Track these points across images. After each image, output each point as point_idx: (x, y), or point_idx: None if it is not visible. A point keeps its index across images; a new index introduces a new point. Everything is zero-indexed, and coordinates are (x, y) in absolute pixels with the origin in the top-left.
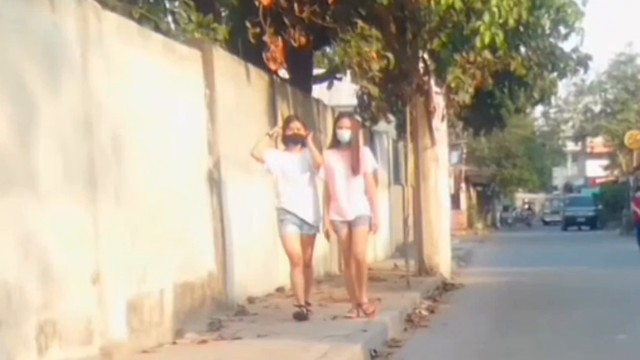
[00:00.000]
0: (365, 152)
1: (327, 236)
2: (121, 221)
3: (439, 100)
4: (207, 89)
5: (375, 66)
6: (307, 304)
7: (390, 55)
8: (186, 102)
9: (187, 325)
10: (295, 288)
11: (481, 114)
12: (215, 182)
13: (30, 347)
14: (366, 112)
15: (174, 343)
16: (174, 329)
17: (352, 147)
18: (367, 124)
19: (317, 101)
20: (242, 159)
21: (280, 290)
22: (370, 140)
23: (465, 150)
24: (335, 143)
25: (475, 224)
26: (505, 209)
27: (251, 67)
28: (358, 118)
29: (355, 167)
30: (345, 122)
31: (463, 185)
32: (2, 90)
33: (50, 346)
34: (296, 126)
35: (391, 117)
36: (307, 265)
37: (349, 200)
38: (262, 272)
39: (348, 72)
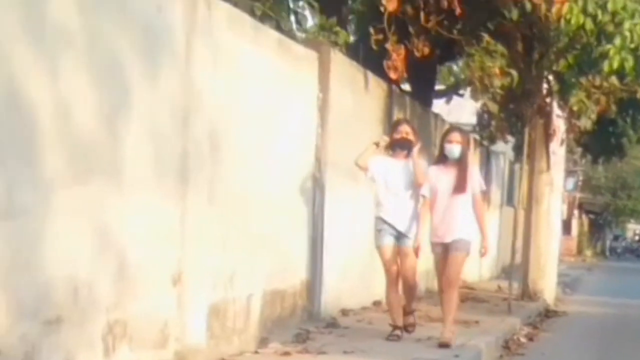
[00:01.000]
0: (473, 170)
1: (417, 253)
2: (212, 220)
3: (559, 124)
4: (321, 92)
5: (497, 83)
6: (408, 326)
7: (514, 72)
8: (297, 103)
9: (273, 335)
10: (390, 307)
11: (601, 141)
12: (318, 189)
13: (96, 347)
14: (485, 130)
15: (256, 352)
16: (258, 337)
17: (460, 163)
18: (485, 143)
19: (436, 116)
20: (350, 167)
21: (377, 304)
22: (487, 159)
23: (581, 178)
24: (442, 158)
25: (584, 250)
26: (616, 238)
27: (370, 74)
28: (476, 136)
29: (461, 186)
30: (456, 136)
31: (576, 211)
32: (93, 71)
33: (118, 347)
34: (405, 130)
35: (509, 137)
36: (409, 284)
37: (449, 222)
38: (359, 283)
39: (469, 88)
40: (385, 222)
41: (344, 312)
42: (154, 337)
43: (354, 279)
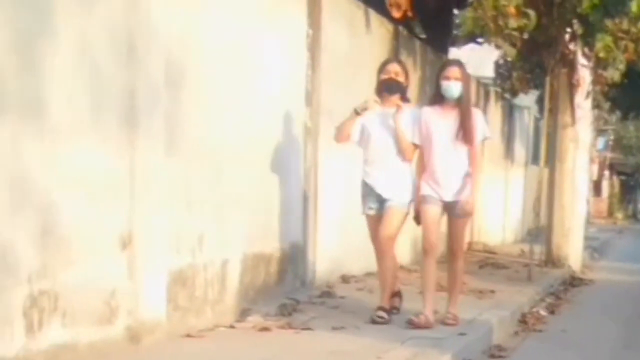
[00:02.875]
0: (477, 114)
1: (417, 221)
2: (172, 172)
3: (584, 74)
4: (310, 28)
5: (513, 23)
6: (393, 308)
7: (531, 12)
8: (282, 40)
9: (257, 305)
10: (380, 282)
11: (631, 95)
12: (310, 139)
13: (13, 324)
14: (505, 82)
15: (231, 327)
16: (238, 308)
17: (461, 106)
18: (507, 96)
19: None
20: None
21: None
22: (510, 114)
23: (612, 137)
24: (439, 98)
25: (615, 213)
26: None
27: (372, 12)
28: (497, 89)
29: (467, 136)
30: (454, 71)
31: (606, 172)
32: None
33: (47, 324)
34: (394, 70)
35: (533, 90)
36: (383, 252)
37: (450, 176)
38: (362, 246)
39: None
40: (367, 184)
41: (344, 279)
42: (98, 311)
43: (356, 241)
